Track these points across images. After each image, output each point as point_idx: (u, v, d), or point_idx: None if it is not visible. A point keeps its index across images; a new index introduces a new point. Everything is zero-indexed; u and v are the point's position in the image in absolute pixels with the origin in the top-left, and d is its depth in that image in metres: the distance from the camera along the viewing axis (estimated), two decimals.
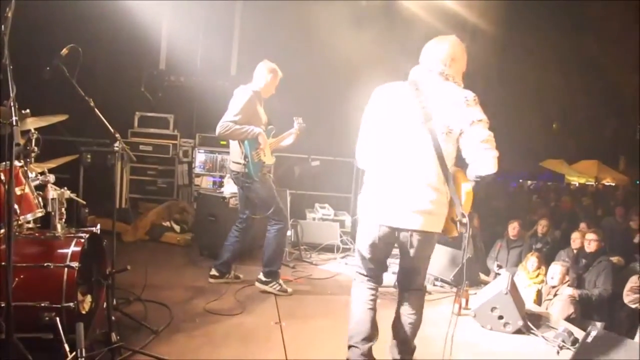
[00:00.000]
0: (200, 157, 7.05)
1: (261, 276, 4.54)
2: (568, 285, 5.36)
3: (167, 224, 6.19)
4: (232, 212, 5.45)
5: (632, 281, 4.63)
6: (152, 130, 6.93)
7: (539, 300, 5.50)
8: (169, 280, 4.61)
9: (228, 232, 5.38)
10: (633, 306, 4.88)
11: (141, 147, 6.75)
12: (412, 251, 2.81)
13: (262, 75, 4.47)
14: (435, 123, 2.66)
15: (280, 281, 4.55)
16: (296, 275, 5.20)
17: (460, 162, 2.81)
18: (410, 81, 2.82)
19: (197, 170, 7.04)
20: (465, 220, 2.68)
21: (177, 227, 6.19)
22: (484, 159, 2.65)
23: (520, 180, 20.29)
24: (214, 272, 4.67)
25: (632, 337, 4.63)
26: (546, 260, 5.91)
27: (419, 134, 2.69)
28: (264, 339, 3.51)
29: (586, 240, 5.79)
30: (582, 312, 5.31)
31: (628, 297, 5.00)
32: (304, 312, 4.16)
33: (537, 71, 17.74)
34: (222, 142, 7.14)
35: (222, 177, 6.70)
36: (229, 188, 5.66)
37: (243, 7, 7.93)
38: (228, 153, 7.02)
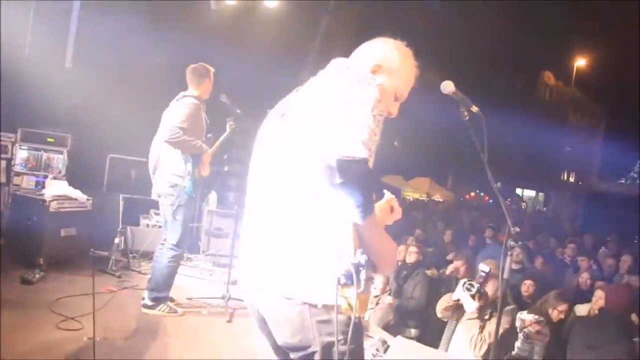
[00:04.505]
0: (22, 153, 6.39)
1: (147, 301, 4.28)
2: (389, 295, 5.77)
3: None
4: (52, 217, 5.04)
5: (446, 301, 4.90)
6: None
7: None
8: None
9: (45, 238, 4.96)
10: (445, 320, 5.24)
11: None
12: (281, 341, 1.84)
13: (198, 80, 4.38)
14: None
15: (168, 302, 4.35)
16: (121, 285, 4.93)
17: None
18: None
19: (17, 168, 6.36)
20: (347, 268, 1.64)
21: None
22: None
23: None
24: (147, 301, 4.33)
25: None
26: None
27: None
28: (73, 356, 3.27)
29: (408, 252, 6.29)
30: (400, 319, 5.76)
31: (441, 314, 5.19)
32: (124, 326, 3.94)
33: None
34: (49, 139, 6.57)
35: (46, 177, 6.13)
36: (52, 190, 5.21)
37: None
38: (56, 151, 6.55)
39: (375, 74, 1.94)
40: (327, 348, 1.75)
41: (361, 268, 1.63)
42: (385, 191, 2.26)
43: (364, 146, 1.59)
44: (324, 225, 1.70)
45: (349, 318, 1.70)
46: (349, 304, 1.66)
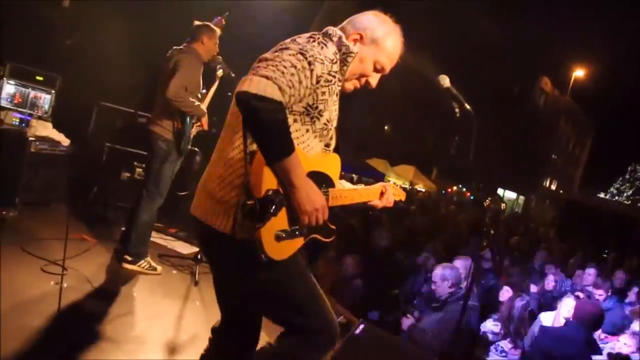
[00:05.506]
0: (8, 88, 6.23)
1: (127, 256, 4.20)
2: (359, 277, 5.84)
3: None
4: (32, 157, 5.00)
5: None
6: None
7: None
8: None
9: (23, 178, 4.90)
10: None
11: None
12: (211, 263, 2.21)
13: (202, 39, 4.22)
14: None
15: (149, 258, 4.28)
16: (95, 234, 4.88)
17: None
18: None
19: (2, 103, 6.21)
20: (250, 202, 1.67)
21: None
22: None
23: (343, 172, 21.54)
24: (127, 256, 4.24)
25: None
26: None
27: None
28: (38, 299, 3.27)
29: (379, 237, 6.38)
30: (367, 302, 5.83)
31: None
32: (92, 276, 3.92)
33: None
34: (38, 78, 6.42)
35: (31, 115, 6.02)
36: (35, 130, 5.16)
37: None
38: (43, 91, 6.42)
39: (356, 42, 2.01)
40: (235, 275, 1.92)
41: (269, 206, 1.66)
42: (391, 180, 2.35)
43: (279, 90, 1.62)
44: (244, 159, 1.76)
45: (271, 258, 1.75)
46: (251, 238, 1.70)
